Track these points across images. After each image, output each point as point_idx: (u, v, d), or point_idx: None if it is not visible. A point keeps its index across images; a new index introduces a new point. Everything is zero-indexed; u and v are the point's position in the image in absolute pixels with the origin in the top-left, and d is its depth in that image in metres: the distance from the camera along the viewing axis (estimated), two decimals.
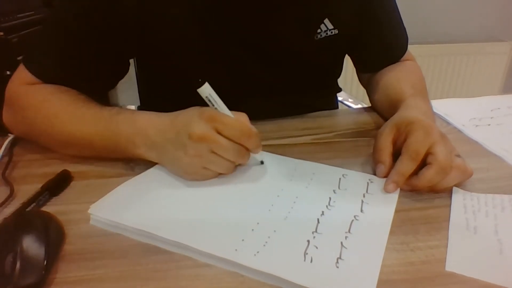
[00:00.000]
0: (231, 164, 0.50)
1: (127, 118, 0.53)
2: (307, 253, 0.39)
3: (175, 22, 0.61)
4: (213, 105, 0.49)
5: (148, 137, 0.51)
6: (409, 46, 0.77)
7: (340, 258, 0.38)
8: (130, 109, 0.56)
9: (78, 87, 0.60)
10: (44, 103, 0.57)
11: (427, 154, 0.48)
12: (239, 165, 0.52)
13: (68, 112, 0.56)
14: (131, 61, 0.72)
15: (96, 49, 0.60)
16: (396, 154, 0.51)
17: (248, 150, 0.50)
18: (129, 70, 0.70)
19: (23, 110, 0.59)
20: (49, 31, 0.63)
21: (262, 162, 0.54)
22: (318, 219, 0.44)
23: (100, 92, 0.62)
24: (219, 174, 0.51)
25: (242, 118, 0.51)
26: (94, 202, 0.45)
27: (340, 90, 0.87)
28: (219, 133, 0.47)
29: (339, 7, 0.67)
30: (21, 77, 0.60)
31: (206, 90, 0.48)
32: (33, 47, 0.64)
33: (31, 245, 0.37)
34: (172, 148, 0.49)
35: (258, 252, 0.39)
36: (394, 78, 0.71)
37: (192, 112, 0.49)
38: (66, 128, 0.55)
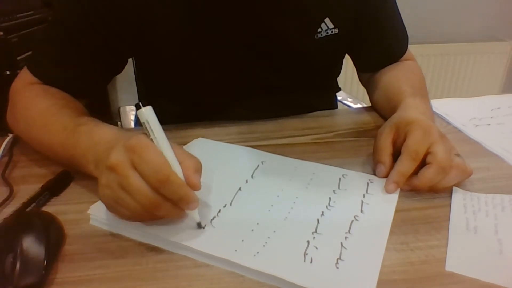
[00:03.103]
0: (144, 212, 0.39)
1: (88, 130, 0.49)
2: (307, 254, 0.39)
3: (173, 21, 0.61)
4: (149, 135, 0.40)
5: (97, 154, 0.45)
6: (409, 46, 0.77)
7: (340, 258, 0.38)
8: (96, 121, 0.52)
9: (74, 86, 0.61)
10: (27, 107, 0.58)
11: (427, 153, 0.48)
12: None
13: (42, 119, 0.55)
14: (130, 60, 0.72)
15: (93, 48, 0.61)
16: (396, 154, 0.51)
17: (169, 200, 0.39)
18: (129, 71, 0.71)
19: (14, 110, 0.60)
20: (48, 31, 0.64)
21: (200, 225, 0.42)
22: (318, 220, 0.44)
23: (95, 90, 0.62)
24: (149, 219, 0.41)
25: (187, 162, 0.41)
26: (94, 202, 0.45)
27: (339, 89, 0.87)
28: (135, 168, 0.38)
29: (340, 6, 0.67)
30: (24, 76, 0.62)
31: (144, 116, 0.40)
32: (34, 46, 0.65)
33: (31, 245, 0.37)
34: (100, 168, 0.43)
35: (257, 252, 0.39)
36: (394, 77, 0.71)
37: (126, 136, 0.42)
38: (38, 135, 0.55)
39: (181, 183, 0.38)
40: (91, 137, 0.48)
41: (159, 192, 0.38)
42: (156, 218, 0.41)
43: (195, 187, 0.40)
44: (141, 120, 0.40)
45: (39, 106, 0.57)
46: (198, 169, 0.41)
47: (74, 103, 0.59)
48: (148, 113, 0.40)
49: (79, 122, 0.52)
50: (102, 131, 0.48)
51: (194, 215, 0.41)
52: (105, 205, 0.42)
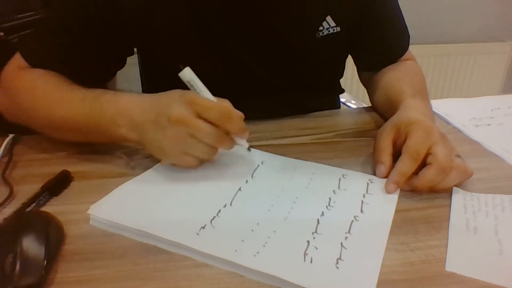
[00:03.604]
0: (212, 150, 0.49)
1: (111, 98, 0.53)
2: (307, 254, 0.39)
3: (173, 19, 0.61)
4: (195, 90, 0.49)
5: (130, 117, 0.50)
6: (409, 46, 0.77)
7: (340, 258, 0.38)
8: (113, 91, 0.55)
9: (69, 77, 0.60)
10: (32, 86, 0.58)
11: (427, 154, 0.48)
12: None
13: (54, 95, 0.57)
14: (135, 60, 0.72)
15: (91, 43, 0.61)
16: (396, 155, 0.51)
17: (229, 134, 0.49)
18: (132, 70, 0.71)
19: (14, 93, 0.60)
20: (47, 22, 0.64)
21: (249, 149, 0.53)
22: (318, 220, 0.44)
23: (90, 83, 0.62)
24: (201, 163, 0.51)
25: (225, 103, 0.50)
26: (94, 202, 0.45)
27: (342, 91, 0.86)
28: (199, 116, 0.47)
29: (341, 4, 0.67)
30: (16, 63, 0.61)
31: (187, 75, 0.48)
32: (30, 35, 0.64)
33: (31, 245, 0.37)
34: (152, 129, 0.48)
35: (258, 252, 0.39)
36: (394, 78, 0.70)
37: (173, 95, 0.49)
38: (52, 111, 0.56)
39: (241, 116, 0.49)
40: (116, 103, 0.52)
41: (223, 129, 0.48)
42: (215, 155, 0.51)
43: (242, 117, 0.50)
44: (184, 80, 0.49)
45: (46, 85, 0.58)
46: (232, 106, 0.50)
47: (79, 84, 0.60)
48: (190, 72, 0.49)
49: (96, 93, 0.55)
50: (126, 98, 0.52)
51: (243, 142, 0.52)
52: (169, 157, 0.50)
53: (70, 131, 0.56)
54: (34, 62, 0.60)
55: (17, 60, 0.61)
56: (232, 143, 0.51)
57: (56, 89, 0.57)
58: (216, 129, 0.47)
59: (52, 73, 0.59)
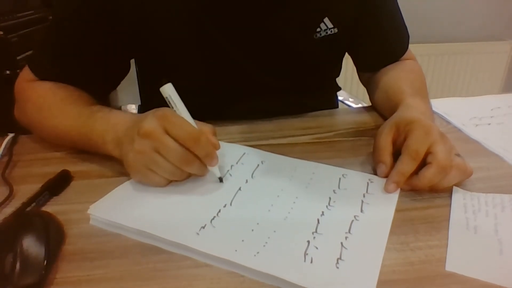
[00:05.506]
0: (176, 170, 0.46)
1: (104, 115, 0.54)
2: (307, 254, 0.39)
3: (171, 21, 0.61)
4: (173, 107, 0.48)
5: (116, 134, 0.51)
6: (409, 45, 0.77)
7: (340, 258, 0.38)
8: (110, 108, 0.57)
9: (77, 86, 0.62)
10: (41, 97, 0.60)
11: (427, 153, 0.48)
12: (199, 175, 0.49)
13: (58, 107, 0.59)
14: (131, 60, 0.72)
15: (93, 50, 0.61)
16: (396, 154, 0.51)
17: (198, 158, 0.46)
18: (130, 71, 0.71)
19: (25, 104, 0.62)
20: (49, 32, 0.65)
21: (220, 180, 0.50)
22: (318, 219, 0.44)
23: (99, 93, 0.63)
24: (171, 182, 0.48)
25: (204, 127, 0.49)
26: (94, 202, 0.45)
27: (339, 89, 0.87)
28: (167, 133, 0.45)
29: (339, 5, 0.67)
30: (26, 75, 0.63)
31: (166, 91, 0.48)
32: (36, 47, 0.66)
33: (31, 245, 0.37)
34: (126, 142, 0.48)
35: (258, 252, 0.39)
36: (394, 77, 0.70)
37: (151, 110, 0.48)
38: (54, 122, 0.58)
39: (209, 141, 0.47)
40: (107, 121, 0.53)
41: (190, 151, 0.45)
42: (183, 177, 0.48)
43: (216, 146, 0.49)
44: (164, 95, 0.48)
45: (53, 97, 0.60)
46: (215, 132, 0.50)
47: (86, 96, 0.61)
48: (170, 89, 0.48)
49: (94, 109, 0.56)
50: (117, 115, 0.53)
51: (215, 170, 0.49)
52: (134, 172, 0.47)
53: (66, 141, 0.58)
54: (41, 75, 0.62)
55: (27, 72, 0.63)
56: (203, 168, 0.48)
57: (60, 102, 0.59)
58: (182, 149, 0.45)
59: (61, 86, 0.61)
